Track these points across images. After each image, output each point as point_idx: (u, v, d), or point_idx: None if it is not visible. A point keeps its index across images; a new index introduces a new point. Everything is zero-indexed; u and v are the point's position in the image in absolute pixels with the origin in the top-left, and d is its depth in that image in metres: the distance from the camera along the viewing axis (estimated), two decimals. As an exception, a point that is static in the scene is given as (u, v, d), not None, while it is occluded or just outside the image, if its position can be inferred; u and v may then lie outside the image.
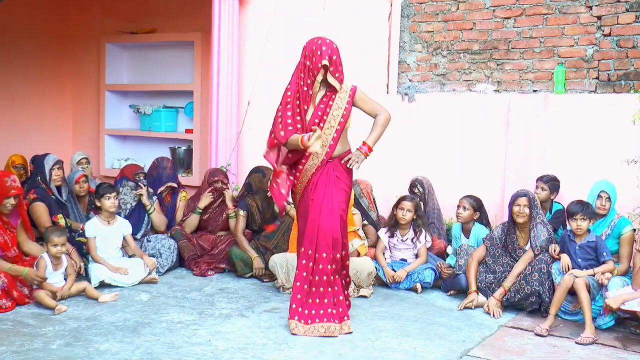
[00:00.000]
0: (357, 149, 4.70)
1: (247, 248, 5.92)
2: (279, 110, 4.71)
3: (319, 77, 4.60)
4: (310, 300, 4.56)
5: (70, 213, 6.07)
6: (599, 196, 5.09)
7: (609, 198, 5.05)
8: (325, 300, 4.55)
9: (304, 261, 4.59)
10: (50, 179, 5.88)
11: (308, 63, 4.61)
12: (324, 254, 4.55)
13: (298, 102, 4.64)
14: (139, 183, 6.31)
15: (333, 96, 4.68)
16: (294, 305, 4.56)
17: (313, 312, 4.54)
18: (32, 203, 5.70)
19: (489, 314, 4.98)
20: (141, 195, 6.20)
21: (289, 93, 4.70)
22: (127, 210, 6.17)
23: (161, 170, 6.61)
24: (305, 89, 4.63)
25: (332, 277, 4.57)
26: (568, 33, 6.09)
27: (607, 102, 5.76)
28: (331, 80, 4.61)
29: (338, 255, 4.60)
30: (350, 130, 4.80)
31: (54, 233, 5.08)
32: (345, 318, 4.59)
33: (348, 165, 4.68)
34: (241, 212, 6.08)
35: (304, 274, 4.58)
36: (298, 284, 4.59)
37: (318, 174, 4.68)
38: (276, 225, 6.04)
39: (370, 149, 4.70)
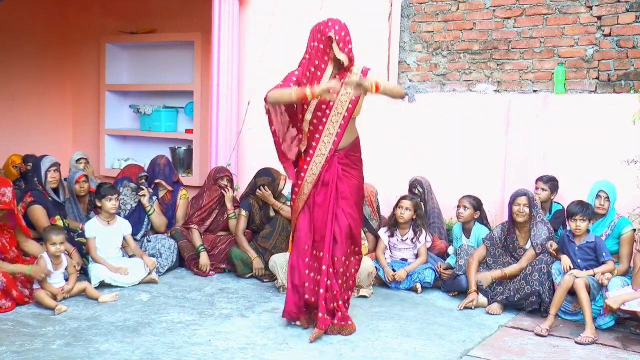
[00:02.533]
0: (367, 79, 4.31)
1: (247, 248, 5.92)
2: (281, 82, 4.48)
3: (331, 54, 4.33)
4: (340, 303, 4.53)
5: (70, 213, 6.07)
6: (598, 196, 5.09)
7: (608, 198, 5.05)
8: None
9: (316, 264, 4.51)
10: (46, 181, 5.87)
11: (315, 43, 4.39)
12: (327, 255, 4.48)
13: (305, 81, 4.37)
14: (141, 185, 6.30)
15: (342, 80, 4.38)
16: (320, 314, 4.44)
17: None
18: (30, 206, 5.67)
19: (485, 286, 5.02)
20: (142, 196, 6.20)
21: (296, 73, 4.45)
22: (127, 211, 6.17)
23: (155, 167, 6.61)
24: (313, 69, 4.38)
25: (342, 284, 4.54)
26: (568, 33, 6.09)
27: (607, 102, 5.76)
28: (338, 54, 4.32)
29: (343, 258, 4.50)
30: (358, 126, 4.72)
31: (52, 232, 5.08)
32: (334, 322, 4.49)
33: (345, 82, 4.28)
34: (243, 212, 6.07)
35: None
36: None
37: (324, 171, 4.47)
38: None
39: (377, 88, 4.25)
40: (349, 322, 4.53)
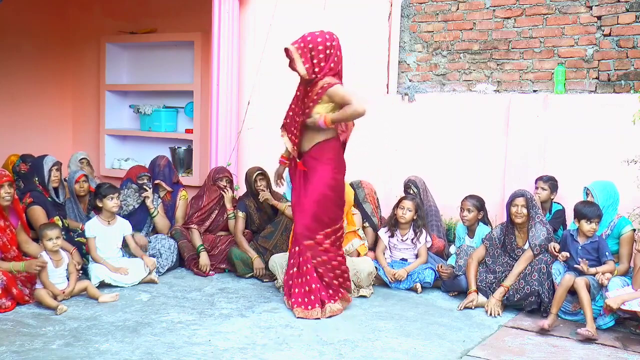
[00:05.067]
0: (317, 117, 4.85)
1: (247, 248, 5.92)
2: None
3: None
4: (296, 290, 4.91)
5: (70, 213, 6.07)
6: (586, 193, 5.19)
7: (593, 195, 5.08)
8: (306, 289, 4.89)
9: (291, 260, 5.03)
10: (49, 180, 5.87)
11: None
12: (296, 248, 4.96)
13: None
14: (144, 186, 6.28)
15: (309, 91, 4.90)
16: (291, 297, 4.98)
17: (306, 299, 4.88)
18: (29, 207, 5.64)
19: (490, 313, 4.98)
20: (146, 197, 6.20)
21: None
22: (128, 211, 6.15)
23: (155, 168, 6.61)
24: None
25: (303, 268, 4.90)
26: (568, 33, 6.09)
27: (607, 102, 5.76)
28: (294, 67, 4.81)
29: (298, 248, 4.94)
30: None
31: (46, 228, 5.08)
32: (326, 301, 4.87)
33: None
34: (240, 213, 6.08)
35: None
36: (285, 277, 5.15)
37: (292, 172, 5.10)
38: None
39: (326, 123, 4.81)
40: (309, 308, 4.83)
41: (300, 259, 4.91)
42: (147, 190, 6.22)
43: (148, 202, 6.20)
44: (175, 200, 6.58)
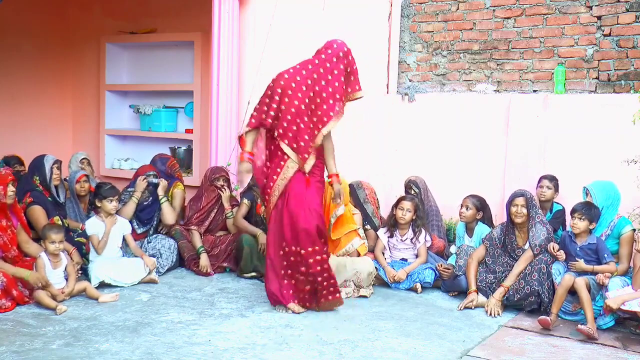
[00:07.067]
0: None
1: (250, 227, 5.93)
2: None
3: None
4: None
5: (70, 213, 6.07)
6: (586, 193, 5.18)
7: (592, 195, 5.08)
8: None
9: None
10: (51, 177, 5.87)
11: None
12: None
13: None
14: (151, 181, 6.30)
15: None
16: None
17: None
18: (29, 207, 5.61)
19: (489, 313, 4.98)
20: (159, 186, 6.24)
21: None
22: (144, 203, 6.19)
23: (152, 161, 6.64)
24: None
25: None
26: (568, 33, 6.09)
27: (607, 102, 5.76)
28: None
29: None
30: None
31: (52, 230, 5.06)
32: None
33: None
34: (245, 201, 6.10)
35: None
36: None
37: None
38: None
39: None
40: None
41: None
42: (163, 181, 6.26)
43: (160, 189, 6.24)
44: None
